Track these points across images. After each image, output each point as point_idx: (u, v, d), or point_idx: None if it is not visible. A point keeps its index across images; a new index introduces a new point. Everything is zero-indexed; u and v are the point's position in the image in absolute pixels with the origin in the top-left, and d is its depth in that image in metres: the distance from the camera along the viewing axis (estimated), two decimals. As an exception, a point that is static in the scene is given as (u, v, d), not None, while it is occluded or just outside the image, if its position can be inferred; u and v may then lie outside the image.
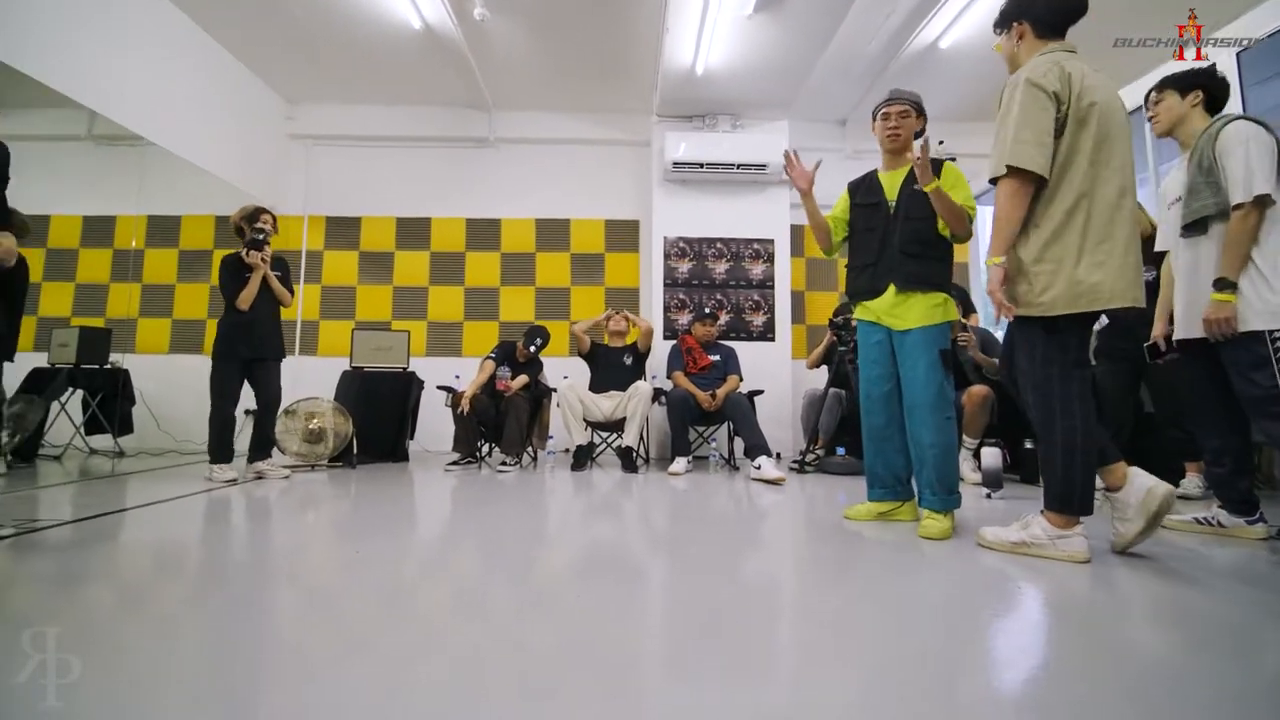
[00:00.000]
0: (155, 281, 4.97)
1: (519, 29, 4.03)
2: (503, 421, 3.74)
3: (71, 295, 4.88)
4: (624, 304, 4.98)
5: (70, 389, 4.02)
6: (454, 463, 3.72)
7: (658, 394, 3.93)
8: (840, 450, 3.66)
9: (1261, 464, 3.14)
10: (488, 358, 3.91)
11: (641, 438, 3.86)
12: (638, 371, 4.00)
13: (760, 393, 4.01)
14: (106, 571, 1.53)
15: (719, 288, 4.73)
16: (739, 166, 4.55)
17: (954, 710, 0.85)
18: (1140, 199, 2.09)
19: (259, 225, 3.15)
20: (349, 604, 1.29)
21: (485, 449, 4.05)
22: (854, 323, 3.65)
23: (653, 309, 4.74)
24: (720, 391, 3.72)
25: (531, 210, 5.11)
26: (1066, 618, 1.26)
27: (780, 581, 1.57)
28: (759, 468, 3.24)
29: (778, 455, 4.17)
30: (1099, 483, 1.65)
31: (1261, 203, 1.74)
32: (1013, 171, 1.58)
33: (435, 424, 4.36)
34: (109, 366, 4.20)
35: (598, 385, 3.94)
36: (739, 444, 3.92)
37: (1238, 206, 1.76)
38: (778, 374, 4.62)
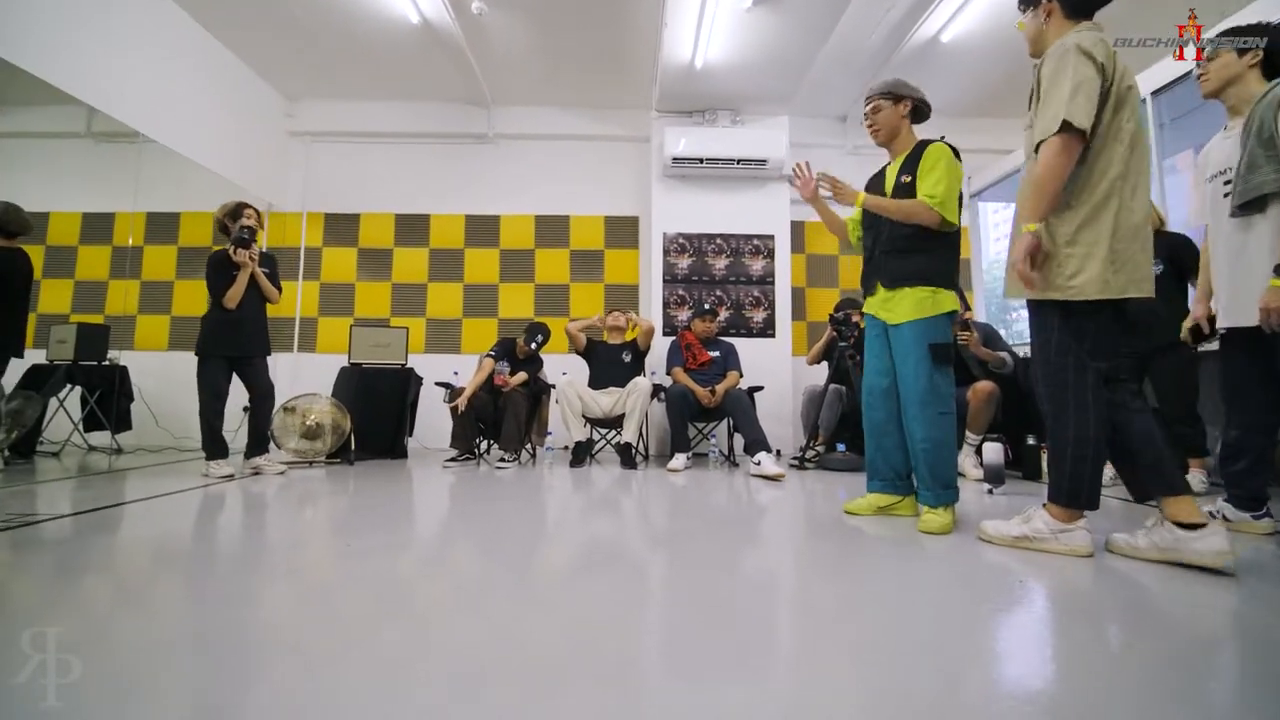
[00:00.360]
0: (154, 278, 4.96)
1: (517, 23, 4.02)
2: (501, 418, 3.73)
3: (70, 292, 4.88)
4: (623, 300, 4.97)
5: (68, 385, 4.01)
6: (452, 459, 3.71)
7: (657, 390, 3.91)
8: (841, 446, 3.64)
9: (1275, 460, 3.10)
10: (487, 355, 3.89)
11: (641, 434, 3.84)
12: (636, 369, 3.98)
13: (760, 389, 3.99)
14: (99, 565, 1.51)
15: (719, 284, 4.71)
16: (739, 162, 4.53)
17: (951, 705, 0.83)
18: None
19: (245, 223, 3.12)
20: (346, 599, 1.27)
21: (484, 446, 4.04)
22: (855, 318, 3.67)
23: (652, 305, 4.72)
24: (720, 387, 3.69)
25: (531, 206, 5.09)
26: (1070, 612, 1.24)
27: (780, 577, 1.55)
28: (759, 464, 3.23)
29: (778, 452, 4.15)
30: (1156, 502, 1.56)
31: None
32: (1065, 129, 1.48)
33: (434, 421, 4.35)
34: (107, 363, 4.19)
35: (597, 382, 3.93)
36: (739, 440, 3.90)
37: None
38: (778, 370, 4.60)
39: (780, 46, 3.95)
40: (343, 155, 5.07)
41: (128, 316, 4.87)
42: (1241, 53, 1.82)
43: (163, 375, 4.62)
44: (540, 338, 3.92)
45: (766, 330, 4.70)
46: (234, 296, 3.06)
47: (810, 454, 3.71)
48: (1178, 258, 2.67)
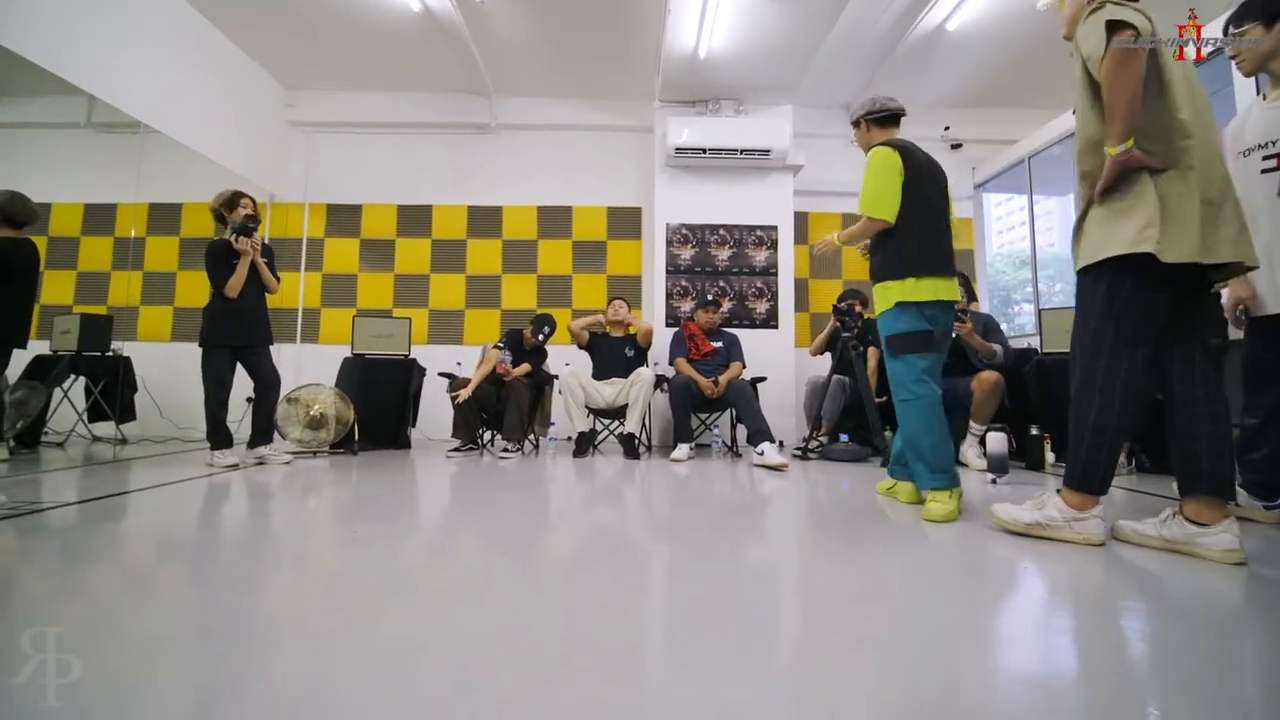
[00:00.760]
0: (156, 269, 4.96)
1: (519, 12, 3.99)
2: (504, 408, 3.73)
3: (73, 283, 4.88)
4: (626, 291, 4.96)
5: (72, 376, 4.02)
6: (456, 449, 3.72)
7: (660, 381, 3.91)
8: (844, 437, 3.64)
9: None
10: (495, 346, 3.89)
11: (644, 425, 3.84)
12: (639, 362, 3.97)
13: (763, 380, 3.98)
14: (104, 552, 1.52)
15: (722, 275, 4.70)
16: (742, 152, 4.50)
17: (953, 691, 0.83)
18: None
19: (253, 214, 3.13)
20: (350, 586, 1.27)
21: (487, 436, 4.04)
22: (858, 308, 3.66)
23: (655, 296, 4.71)
24: (723, 378, 3.69)
25: (533, 197, 5.07)
26: (1083, 601, 1.24)
27: (783, 566, 1.55)
28: (762, 454, 3.22)
29: (780, 443, 4.15)
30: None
31: None
32: (1114, 31, 1.38)
33: (437, 411, 4.35)
34: (111, 354, 4.20)
35: (599, 374, 3.92)
36: (742, 432, 3.89)
37: None
38: (781, 362, 4.59)
39: (784, 35, 3.92)
40: (344, 146, 5.05)
41: (130, 307, 4.87)
42: (1269, 24, 1.74)
43: (166, 366, 4.63)
44: (547, 329, 3.92)
45: (769, 321, 4.68)
46: (235, 285, 3.05)
47: (813, 445, 3.71)
48: None
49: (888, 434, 3.39)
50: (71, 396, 4.05)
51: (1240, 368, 1.95)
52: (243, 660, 0.89)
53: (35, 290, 3.27)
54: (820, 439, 3.78)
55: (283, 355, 4.46)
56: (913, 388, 2.03)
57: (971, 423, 3.26)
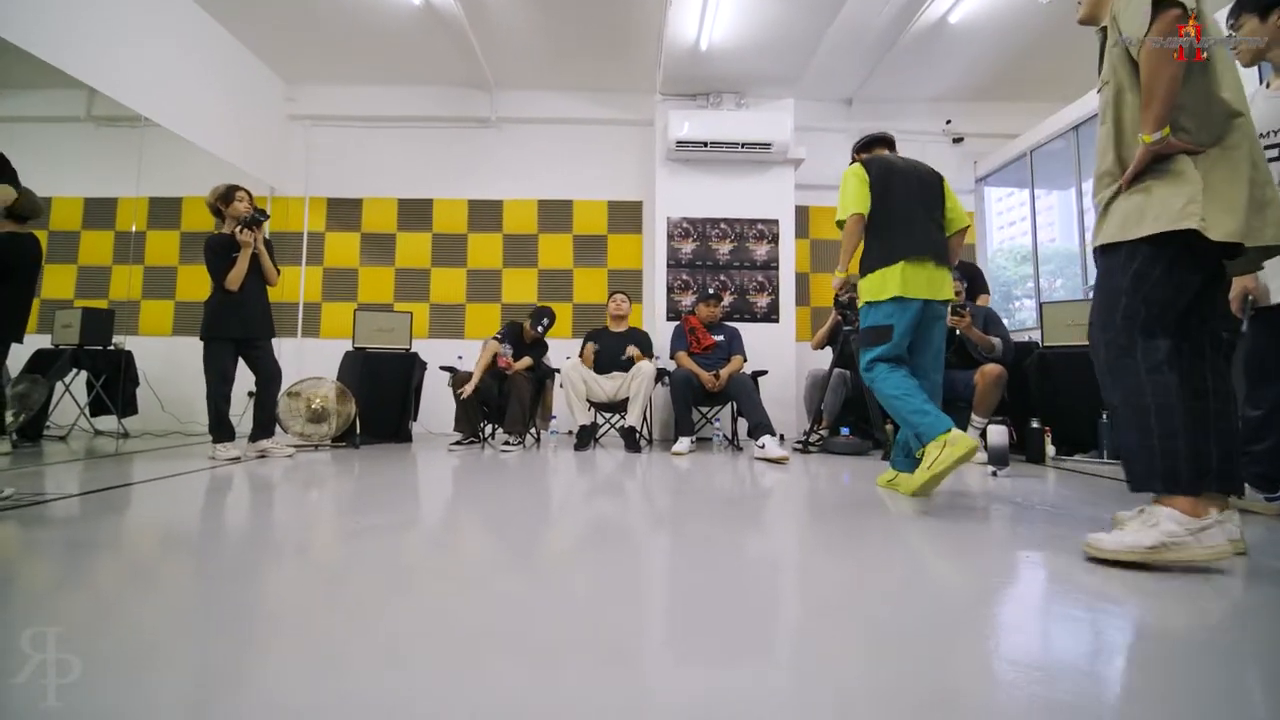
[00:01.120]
0: (157, 263, 4.96)
1: (520, 5, 3.97)
2: (505, 402, 3.74)
3: (74, 277, 4.88)
4: (626, 285, 4.96)
5: (74, 370, 4.02)
6: (457, 443, 3.73)
7: (661, 374, 3.91)
8: (845, 430, 3.64)
9: None
10: (493, 338, 3.89)
11: (645, 418, 3.84)
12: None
13: (764, 374, 3.98)
14: (106, 542, 1.52)
15: (723, 269, 4.70)
16: (743, 146, 4.49)
17: (945, 687, 0.83)
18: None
19: (258, 208, 3.13)
20: (352, 579, 1.28)
21: (488, 429, 4.05)
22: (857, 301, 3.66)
23: (656, 290, 4.71)
24: (724, 372, 3.69)
25: (534, 191, 5.07)
26: (1084, 596, 1.24)
27: (784, 558, 1.55)
28: (763, 447, 3.23)
29: (781, 437, 4.15)
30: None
31: None
32: (1159, 9, 1.29)
33: (438, 405, 4.36)
34: (112, 348, 4.20)
35: (601, 369, 3.93)
36: (743, 425, 3.90)
37: None
38: (782, 356, 4.59)
39: (786, 27, 3.90)
40: (344, 139, 5.04)
41: (131, 301, 4.88)
42: (1264, 15, 1.71)
43: (168, 360, 4.63)
44: (546, 321, 3.92)
45: (770, 315, 4.68)
46: (236, 278, 3.05)
47: (814, 438, 3.72)
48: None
49: (888, 427, 3.39)
50: (73, 390, 4.06)
51: (1242, 359, 1.95)
52: (245, 651, 0.89)
53: (35, 286, 3.26)
54: (821, 432, 3.78)
55: (284, 349, 4.47)
56: (866, 375, 2.29)
57: (973, 415, 3.27)
